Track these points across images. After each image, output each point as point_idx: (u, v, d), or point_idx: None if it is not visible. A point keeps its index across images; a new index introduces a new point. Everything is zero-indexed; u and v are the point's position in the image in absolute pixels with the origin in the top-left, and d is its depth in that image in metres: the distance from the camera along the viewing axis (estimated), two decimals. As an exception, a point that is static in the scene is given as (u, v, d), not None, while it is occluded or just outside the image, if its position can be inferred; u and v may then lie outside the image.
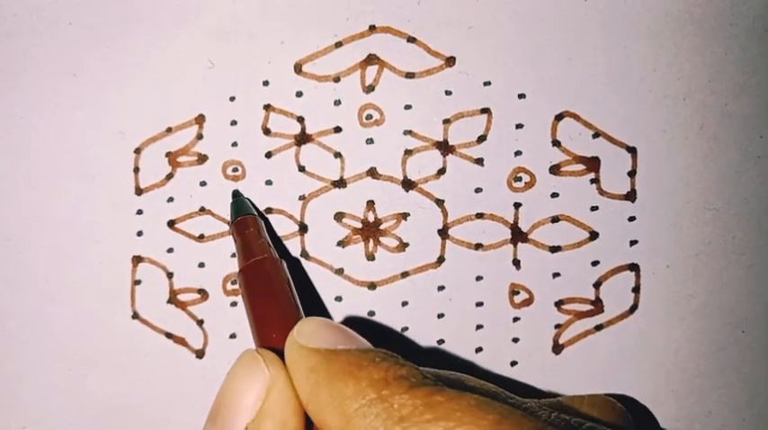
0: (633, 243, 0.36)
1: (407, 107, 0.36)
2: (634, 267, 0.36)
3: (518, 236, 0.36)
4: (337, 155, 0.36)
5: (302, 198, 0.36)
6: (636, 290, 0.36)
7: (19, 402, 0.37)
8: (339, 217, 0.36)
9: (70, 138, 0.37)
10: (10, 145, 0.37)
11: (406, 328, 0.36)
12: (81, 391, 0.37)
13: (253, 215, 0.34)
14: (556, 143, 0.36)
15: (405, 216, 0.36)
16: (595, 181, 0.36)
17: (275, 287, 0.31)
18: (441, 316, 0.36)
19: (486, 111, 0.36)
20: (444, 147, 0.36)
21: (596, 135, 0.36)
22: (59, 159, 0.37)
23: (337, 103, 0.36)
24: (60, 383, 0.37)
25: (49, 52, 0.37)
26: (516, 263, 0.36)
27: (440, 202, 0.36)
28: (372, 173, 0.36)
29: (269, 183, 0.36)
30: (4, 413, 0.37)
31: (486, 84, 0.36)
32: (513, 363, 0.36)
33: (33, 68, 0.37)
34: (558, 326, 0.36)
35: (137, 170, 0.37)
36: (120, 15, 0.36)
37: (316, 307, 0.36)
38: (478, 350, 0.36)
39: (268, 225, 0.36)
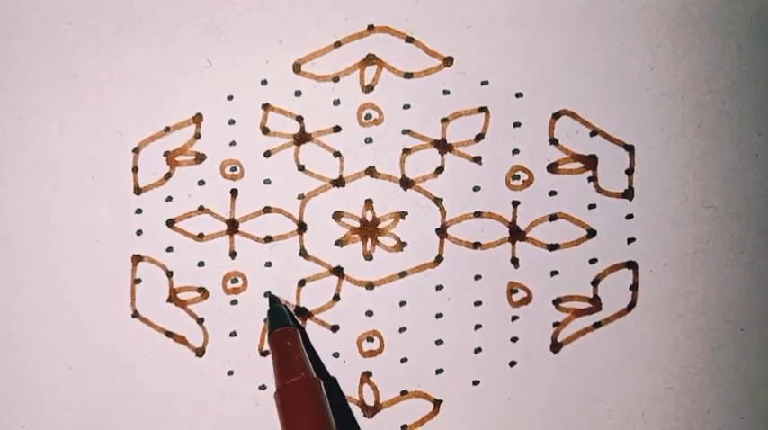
0: (631, 241, 0.36)
1: (406, 106, 0.36)
2: (632, 265, 0.36)
3: (516, 234, 0.36)
4: (336, 154, 0.36)
5: (301, 197, 0.36)
6: (634, 287, 0.36)
7: (19, 402, 0.37)
8: (338, 216, 0.36)
9: (69, 139, 0.37)
10: (10, 145, 0.37)
11: (404, 329, 0.36)
12: (81, 391, 0.37)
13: (291, 328, 0.34)
14: (553, 141, 0.36)
15: (403, 215, 0.36)
16: (593, 179, 0.36)
17: (313, 411, 0.31)
18: (439, 316, 0.36)
19: (483, 110, 0.36)
20: (442, 146, 0.36)
21: (594, 133, 0.36)
22: (59, 159, 0.37)
23: (336, 102, 0.36)
24: (60, 383, 0.37)
25: (50, 53, 0.37)
26: (514, 261, 0.36)
27: (438, 201, 0.36)
28: (371, 172, 0.36)
29: (267, 182, 0.36)
30: (5, 412, 0.37)
31: (484, 83, 0.36)
32: (512, 363, 0.36)
33: (34, 69, 0.37)
34: (556, 325, 0.36)
35: (135, 169, 0.37)
36: (120, 16, 0.36)
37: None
38: (477, 351, 0.36)
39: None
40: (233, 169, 0.36)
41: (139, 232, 0.37)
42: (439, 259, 0.36)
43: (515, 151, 0.36)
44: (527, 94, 0.36)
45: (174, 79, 0.36)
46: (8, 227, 0.37)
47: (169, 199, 0.37)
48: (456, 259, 0.36)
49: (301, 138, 0.36)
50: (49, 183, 0.37)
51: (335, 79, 0.36)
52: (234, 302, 0.37)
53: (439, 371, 0.36)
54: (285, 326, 0.34)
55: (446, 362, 0.36)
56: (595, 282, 0.36)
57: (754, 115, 0.36)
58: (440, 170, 0.36)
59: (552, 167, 0.36)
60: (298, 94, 0.36)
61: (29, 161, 0.37)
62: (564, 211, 0.36)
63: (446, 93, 0.36)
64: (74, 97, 0.37)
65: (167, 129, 0.37)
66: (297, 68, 0.36)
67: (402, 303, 0.36)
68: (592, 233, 0.36)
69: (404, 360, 0.36)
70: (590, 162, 0.36)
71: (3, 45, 0.37)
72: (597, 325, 0.36)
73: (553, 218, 0.36)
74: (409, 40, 0.36)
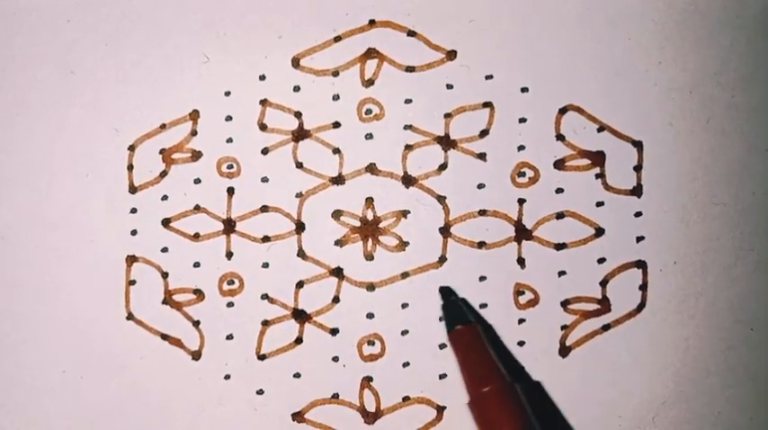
0: (640, 239, 0.35)
1: (408, 101, 0.35)
2: (641, 264, 0.35)
3: (522, 233, 0.35)
4: (336, 150, 0.36)
5: (299, 195, 0.36)
6: (643, 287, 0.35)
7: (13, 404, 0.36)
8: (337, 215, 0.36)
9: (65, 136, 0.36)
10: (5, 142, 0.36)
11: (406, 332, 0.36)
12: (75, 394, 0.36)
13: (474, 325, 0.32)
14: (560, 137, 0.35)
15: (405, 213, 0.36)
16: (601, 176, 0.35)
17: (515, 422, 0.29)
18: (443, 318, 0.35)
19: (488, 104, 0.35)
20: (446, 142, 0.35)
21: (601, 129, 0.35)
22: (54, 157, 0.36)
23: (336, 97, 0.36)
24: (54, 385, 0.36)
25: (48, 50, 0.36)
26: (521, 261, 0.35)
27: (441, 199, 0.36)
28: (372, 169, 0.36)
29: (265, 179, 0.36)
30: (-4, 416, 0.37)
31: (489, 77, 0.35)
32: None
33: (31, 66, 0.36)
34: (564, 328, 0.35)
35: (131, 167, 0.36)
36: (118, 13, 0.36)
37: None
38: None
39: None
40: (230, 167, 0.36)
41: (134, 232, 0.36)
42: (442, 259, 0.36)
43: (521, 147, 0.35)
44: (533, 88, 0.35)
45: (171, 75, 0.36)
46: (1, 225, 0.36)
47: (164, 198, 0.36)
48: (460, 259, 0.35)
49: (300, 134, 0.36)
50: (43, 182, 0.36)
51: (335, 74, 0.35)
52: (230, 304, 0.36)
53: (442, 376, 0.35)
54: (466, 322, 0.33)
55: (450, 366, 0.35)
56: (604, 283, 0.35)
57: (764, 109, 0.35)
58: (443, 167, 0.36)
59: (559, 164, 0.35)
60: (296, 89, 0.36)
61: (24, 159, 0.36)
62: (571, 209, 0.35)
63: (449, 87, 0.35)
64: (71, 94, 0.36)
65: (163, 127, 0.36)
66: (296, 63, 0.35)
67: (404, 305, 0.36)
68: (600, 231, 0.35)
69: (406, 364, 0.36)
70: (597, 158, 0.35)
71: (0, 42, 0.36)
72: (606, 327, 0.35)
73: (560, 216, 0.35)
74: (411, 33, 0.35)
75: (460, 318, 0.33)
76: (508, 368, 0.32)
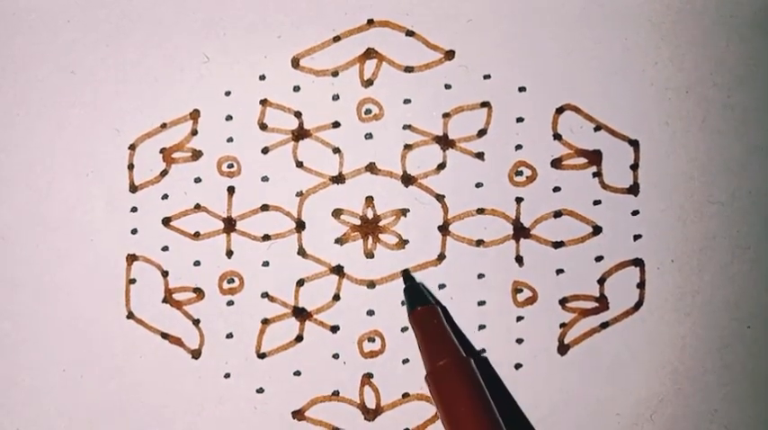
0: (637, 237, 0.35)
1: (407, 101, 0.36)
2: (638, 262, 0.35)
3: (520, 231, 0.36)
4: (336, 150, 0.36)
5: (299, 194, 0.36)
6: (641, 285, 0.35)
7: (13, 403, 0.36)
8: (337, 213, 0.36)
9: (66, 136, 0.36)
10: (5, 142, 0.36)
11: (406, 329, 0.36)
12: (75, 393, 0.36)
13: (433, 306, 0.34)
14: (557, 136, 0.35)
15: (404, 212, 0.36)
16: (597, 174, 0.35)
17: (470, 392, 0.31)
18: (405, 301, 0.36)
19: (486, 104, 0.35)
20: (444, 142, 0.36)
21: (598, 128, 0.35)
22: (55, 157, 0.36)
23: (335, 97, 0.36)
24: (54, 384, 0.36)
25: (48, 50, 0.36)
26: (519, 259, 0.36)
27: (440, 198, 0.36)
28: (371, 168, 0.36)
29: (265, 179, 0.36)
30: (-4, 414, 0.36)
31: (486, 77, 0.35)
32: (518, 366, 0.36)
33: (32, 66, 0.36)
34: (563, 325, 0.36)
35: (131, 167, 0.36)
36: (118, 13, 0.36)
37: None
38: (481, 352, 0.36)
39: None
40: (230, 166, 0.36)
41: (134, 231, 0.36)
42: (441, 257, 0.36)
43: (518, 147, 0.35)
44: (530, 88, 0.35)
45: (171, 75, 0.36)
46: (2, 224, 0.36)
47: (165, 197, 0.36)
48: (459, 257, 0.36)
49: (300, 134, 0.36)
50: (44, 181, 0.36)
51: (335, 74, 0.36)
52: (230, 303, 0.36)
53: (442, 373, 0.36)
54: (426, 304, 0.34)
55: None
56: (602, 281, 0.36)
57: (760, 109, 0.35)
58: (442, 166, 0.36)
59: (556, 163, 0.35)
60: (296, 89, 0.36)
61: (24, 158, 0.36)
62: (569, 208, 0.36)
63: (448, 87, 0.35)
64: (71, 94, 0.36)
65: (164, 126, 0.36)
66: (295, 63, 0.36)
67: (404, 302, 0.36)
68: (597, 230, 0.35)
69: (406, 361, 0.36)
70: (594, 157, 0.35)
71: (0, 42, 0.36)
72: (604, 325, 0.36)
73: (558, 214, 0.36)
74: (410, 33, 0.35)
75: (421, 299, 0.34)
76: (463, 346, 0.33)
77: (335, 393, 0.36)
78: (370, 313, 0.36)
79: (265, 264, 0.36)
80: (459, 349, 0.32)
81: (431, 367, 0.32)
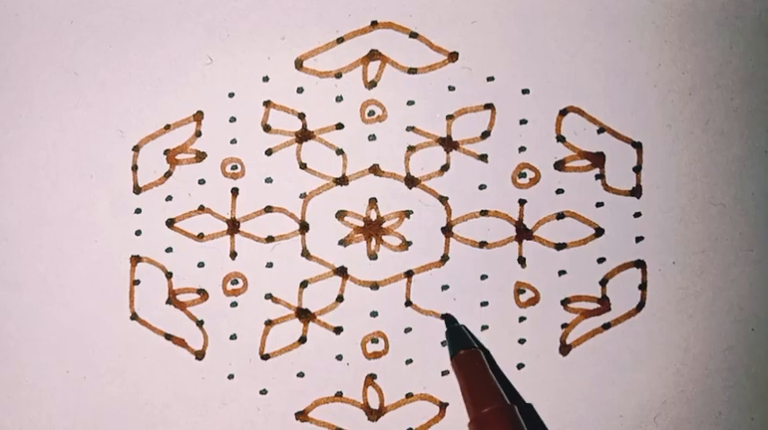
0: (639, 239, 0.35)
1: (410, 103, 0.36)
2: (640, 264, 0.36)
3: (523, 233, 0.36)
4: (339, 152, 0.36)
5: (303, 196, 0.36)
6: (643, 287, 0.36)
7: (17, 404, 0.36)
8: (341, 215, 0.36)
9: (69, 137, 0.36)
10: (9, 143, 0.36)
11: (409, 329, 0.36)
12: (79, 393, 0.36)
13: (476, 350, 0.33)
14: (560, 139, 0.35)
15: (408, 214, 0.36)
16: (600, 176, 0.36)
17: None
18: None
19: (489, 106, 0.36)
20: (448, 144, 0.36)
21: (601, 130, 0.35)
22: (59, 158, 0.36)
23: (339, 99, 0.36)
24: (58, 385, 0.36)
25: (51, 51, 0.36)
26: (521, 260, 0.36)
27: (443, 199, 0.36)
28: (375, 170, 0.36)
29: (269, 180, 0.36)
30: (2, 415, 0.36)
31: (490, 79, 0.35)
32: (520, 366, 0.36)
33: (35, 67, 0.36)
34: (564, 326, 0.36)
35: (135, 168, 0.36)
36: (122, 14, 0.36)
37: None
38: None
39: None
40: (234, 168, 0.36)
41: (138, 232, 0.36)
42: (444, 258, 0.36)
43: (522, 149, 0.36)
44: (534, 90, 0.35)
45: (175, 77, 0.36)
46: (6, 226, 0.36)
47: (169, 198, 0.36)
48: (462, 258, 0.36)
49: (303, 135, 0.36)
50: (48, 182, 0.36)
51: (338, 75, 0.36)
52: (234, 304, 0.36)
53: (445, 373, 0.36)
54: (469, 347, 0.33)
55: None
56: (604, 282, 0.36)
57: (763, 111, 0.35)
58: (445, 168, 0.36)
59: (559, 165, 0.36)
60: (300, 90, 0.36)
61: (28, 160, 0.36)
62: (571, 210, 0.36)
63: (451, 89, 0.35)
64: (75, 96, 0.36)
65: (168, 127, 0.36)
66: (299, 65, 0.36)
67: (407, 303, 0.36)
68: (600, 231, 0.36)
69: (409, 361, 0.36)
70: (597, 159, 0.35)
71: (4, 43, 0.36)
72: (606, 326, 0.36)
73: (560, 216, 0.36)
74: (413, 35, 0.35)
75: (463, 342, 0.34)
76: (506, 390, 0.33)
77: (339, 394, 0.36)
78: (374, 314, 0.36)
79: (269, 265, 0.36)
80: (504, 396, 0.32)
81: (475, 414, 0.31)
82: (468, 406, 0.32)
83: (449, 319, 0.35)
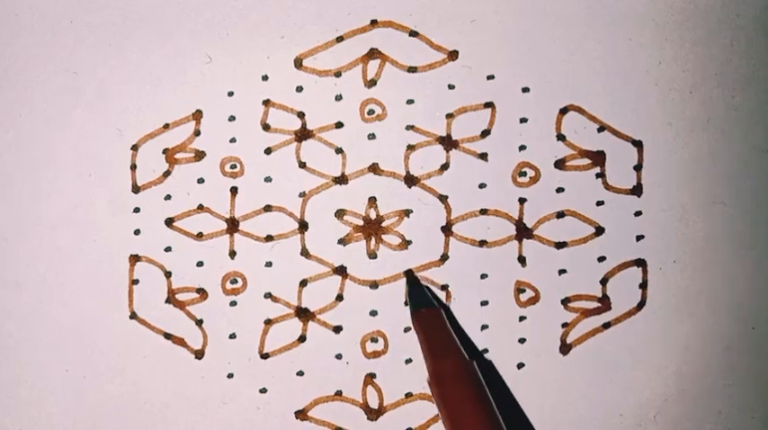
0: (640, 238, 0.35)
1: (410, 102, 0.36)
2: (641, 263, 0.35)
3: (523, 232, 0.36)
4: (338, 150, 0.36)
5: (302, 195, 0.36)
6: (643, 286, 0.35)
7: (15, 403, 0.36)
8: (340, 214, 0.36)
9: (68, 136, 0.36)
10: (8, 142, 0.36)
11: (408, 329, 0.36)
12: (78, 393, 0.36)
13: (436, 308, 0.34)
14: (561, 137, 0.35)
15: (407, 213, 0.36)
16: (601, 175, 0.35)
17: (473, 395, 0.31)
18: (407, 302, 0.36)
19: (489, 105, 0.35)
20: (447, 142, 0.36)
21: (601, 129, 0.35)
22: (57, 157, 0.36)
23: (338, 97, 0.36)
24: (57, 384, 0.36)
25: (50, 51, 0.36)
26: (522, 259, 0.36)
27: (443, 198, 0.36)
28: (374, 169, 0.36)
29: (268, 179, 0.36)
30: (2, 414, 0.36)
31: (490, 77, 0.35)
32: (520, 365, 0.36)
33: (34, 67, 0.36)
34: (565, 325, 0.36)
35: (134, 167, 0.36)
36: (121, 13, 0.36)
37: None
38: (484, 352, 0.36)
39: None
40: (233, 167, 0.36)
41: (137, 231, 0.36)
42: (444, 257, 0.36)
43: (522, 147, 0.35)
44: (534, 89, 0.35)
45: (174, 76, 0.36)
46: (5, 225, 0.36)
47: (168, 197, 0.36)
48: (462, 257, 0.36)
49: (303, 134, 0.36)
50: (46, 182, 0.36)
51: (337, 74, 0.36)
52: (233, 303, 0.36)
53: (445, 373, 0.36)
54: (429, 306, 0.34)
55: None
56: (604, 281, 0.36)
57: (764, 110, 0.35)
58: (445, 167, 0.36)
59: (559, 164, 0.35)
60: (299, 89, 0.36)
61: (27, 159, 0.36)
62: (571, 208, 0.36)
63: (451, 87, 0.35)
64: (73, 95, 0.36)
65: (166, 126, 0.36)
66: (298, 63, 0.36)
67: (407, 303, 0.36)
68: (600, 230, 0.35)
69: (409, 361, 0.36)
70: (598, 158, 0.35)
71: (4, 43, 0.36)
72: (607, 325, 0.36)
73: (561, 215, 0.35)
74: (413, 34, 0.35)
75: (424, 301, 0.34)
76: (466, 349, 0.33)
77: (338, 393, 0.36)
78: (373, 313, 0.36)
79: (268, 264, 0.36)
80: (462, 351, 0.32)
81: (433, 369, 0.32)
82: (427, 362, 0.32)
83: (410, 278, 0.35)
